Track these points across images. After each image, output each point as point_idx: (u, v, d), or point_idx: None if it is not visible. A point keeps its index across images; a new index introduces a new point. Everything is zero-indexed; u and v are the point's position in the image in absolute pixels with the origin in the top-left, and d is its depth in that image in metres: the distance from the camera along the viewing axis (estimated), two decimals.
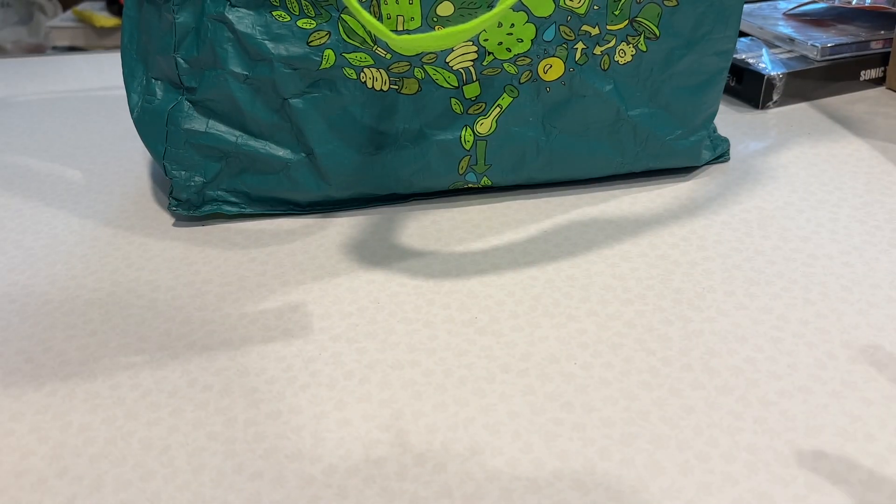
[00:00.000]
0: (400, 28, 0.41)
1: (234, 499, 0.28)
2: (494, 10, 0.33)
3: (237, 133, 0.43)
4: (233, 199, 0.45)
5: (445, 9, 0.40)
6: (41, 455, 0.30)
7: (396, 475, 0.29)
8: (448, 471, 0.29)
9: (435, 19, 0.41)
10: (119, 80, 0.72)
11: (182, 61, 0.42)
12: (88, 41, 1.61)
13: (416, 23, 0.41)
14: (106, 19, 1.57)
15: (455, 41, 0.33)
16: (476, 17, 0.41)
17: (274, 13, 0.41)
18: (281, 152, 0.44)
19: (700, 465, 0.29)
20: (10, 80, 0.72)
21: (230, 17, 0.41)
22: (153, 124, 0.44)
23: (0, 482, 0.29)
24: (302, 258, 0.42)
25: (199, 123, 0.43)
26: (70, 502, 0.28)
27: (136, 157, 0.55)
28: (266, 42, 0.41)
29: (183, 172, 0.44)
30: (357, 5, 0.32)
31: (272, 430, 0.31)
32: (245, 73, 0.42)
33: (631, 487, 0.28)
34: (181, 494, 0.28)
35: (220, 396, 0.33)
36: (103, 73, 0.74)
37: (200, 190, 0.44)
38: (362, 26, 0.40)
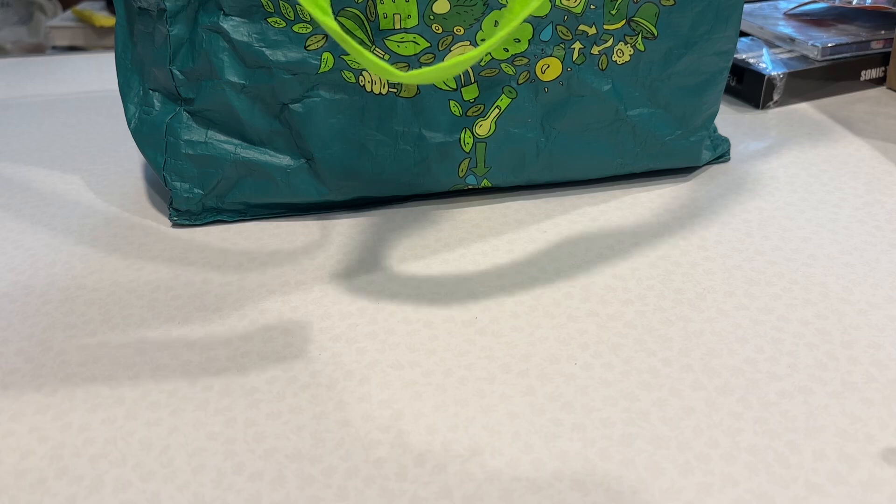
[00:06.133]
0: (397, 26, 0.41)
1: (234, 499, 0.28)
2: (499, 35, 0.33)
3: (236, 142, 0.43)
4: (232, 209, 0.45)
5: (441, 6, 0.40)
6: (41, 455, 0.30)
7: (396, 476, 0.29)
8: (448, 471, 0.29)
9: (432, 17, 0.41)
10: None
11: (178, 73, 0.42)
12: (88, 41, 1.61)
13: (413, 21, 0.41)
14: (106, 19, 1.57)
15: (460, 69, 0.33)
16: (471, 14, 0.41)
17: (269, 20, 0.40)
18: (280, 159, 0.44)
19: (700, 465, 0.29)
20: (10, 79, 0.72)
21: (225, 26, 0.40)
22: (152, 135, 0.44)
23: (0, 482, 0.29)
24: (302, 258, 0.42)
25: (198, 134, 0.43)
26: (70, 502, 0.28)
27: (135, 158, 0.55)
28: (263, 49, 0.41)
29: (183, 184, 0.44)
30: (358, 47, 0.32)
31: (272, 431, 0.31)
32: (242, 82, 0.42)
33: (631, 488, 0.28)
34: (181, 495, 0.28)
35: (220, 396, 0.33)
36: (103, 73, 0.74)
37: (200, 201, 0.44)
38: (358, 41, 0.40)
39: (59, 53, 0.81)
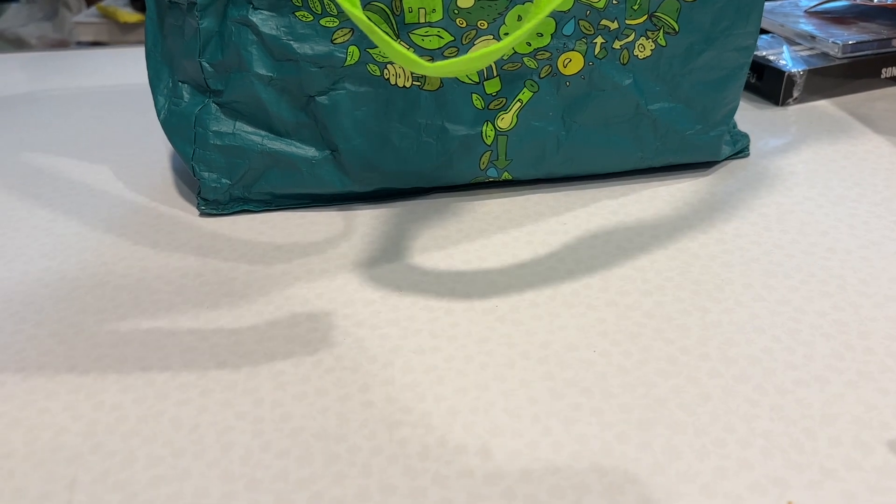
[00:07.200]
0: (422, 20, 0.41)
1: (262, 475, 0.29)
2: (524, 28, 0.33)
3: (263, 133, 0.44)
4: (258, 199, 0.46)
5: (466, 1, 0.41)
6: (75, 432, 0.31)
7: (419, 455, 0.30)
8: (469, 451, 0.30)
9: (456, 11, 0.41)
10: (143, 75, 0.73)
11: (207, 65, 0.43)
12: (112, 36, 1.63)
13: (438, 15, 0.41)
14: (129, 15, 1.59)
15: (486, 62, 0.34)
16: (494, 8, 0.41)
17: (297, 13, 0.41)
18: (306, 150, 0.45)
19: (716, 450, 0.30)
20: (36, 74, 0.73)
21: (254, 19, 0.41)
22: (181, 126, 0.45)
23: (36, 456, 0.30)
24: (326, 247, 0.43)
25: (226, 125, 0.44)
26: (104, 476, 0.29)
27: (161, 150, 0.56)
28: (291, 42, 0.42)
29: (210, 174, 0.45)
30: (385, 37, 0.32)
31: (298, 411, 0.32)
32: (270, 74, 0.42)
33: (648, 471, 0.29)
34: (210, 471, 0.29)
35: (248, 378, 0.34)
36: (127, 68, 0.75)
37: (227, 190, 0.45)
38: (387, 27, 0.41)
39: (84, 48, 0.82)
